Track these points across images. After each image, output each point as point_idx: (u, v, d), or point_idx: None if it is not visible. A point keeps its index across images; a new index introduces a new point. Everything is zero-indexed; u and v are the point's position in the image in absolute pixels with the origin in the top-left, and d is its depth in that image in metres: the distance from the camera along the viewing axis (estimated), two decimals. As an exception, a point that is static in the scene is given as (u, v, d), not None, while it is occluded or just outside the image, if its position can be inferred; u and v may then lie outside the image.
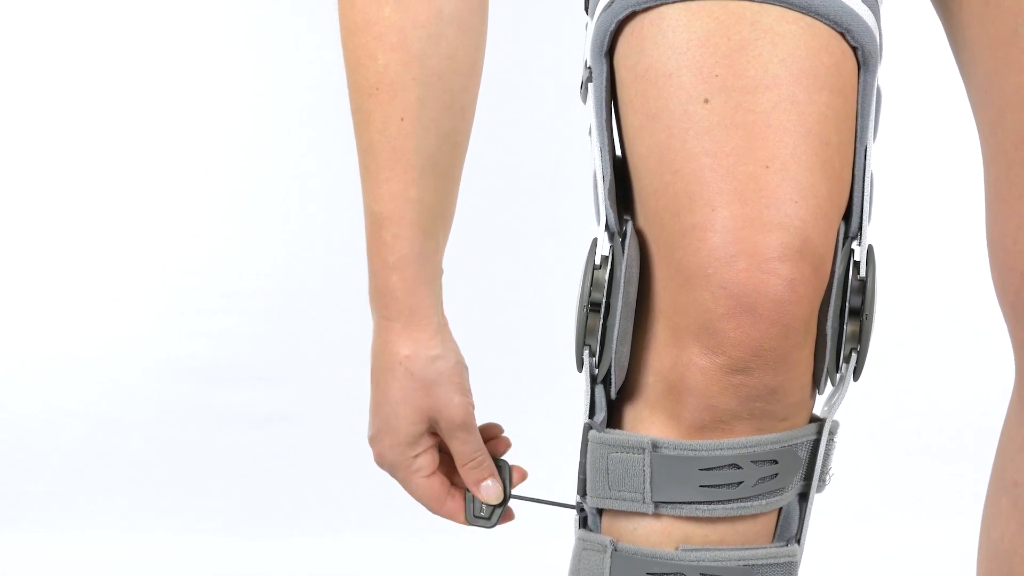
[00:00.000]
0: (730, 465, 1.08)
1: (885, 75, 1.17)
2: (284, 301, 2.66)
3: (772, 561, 1.11)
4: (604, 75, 1.14)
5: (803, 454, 1.11)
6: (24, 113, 2.68)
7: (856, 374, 1.12)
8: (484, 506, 1.24)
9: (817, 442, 1.12)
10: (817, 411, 1.14)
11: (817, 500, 1.17)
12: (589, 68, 1.15)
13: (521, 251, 2.65)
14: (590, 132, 1.15)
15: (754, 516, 1.11)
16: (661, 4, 1.10)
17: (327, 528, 2.53)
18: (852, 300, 1.10)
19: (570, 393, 1.31)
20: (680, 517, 1.10)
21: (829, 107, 1.08)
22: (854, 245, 1.11)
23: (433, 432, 1.22)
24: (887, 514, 2.58)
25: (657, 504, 1.10)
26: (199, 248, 2.67)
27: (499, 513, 1.24)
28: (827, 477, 1.15)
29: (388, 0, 1.15)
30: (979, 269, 1.88)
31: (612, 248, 1.11)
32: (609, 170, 1.14)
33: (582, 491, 1.14)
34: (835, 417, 1.14)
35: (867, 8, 1.11)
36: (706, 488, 1.08)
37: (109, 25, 2.68)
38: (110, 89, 2.68)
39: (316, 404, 2.61)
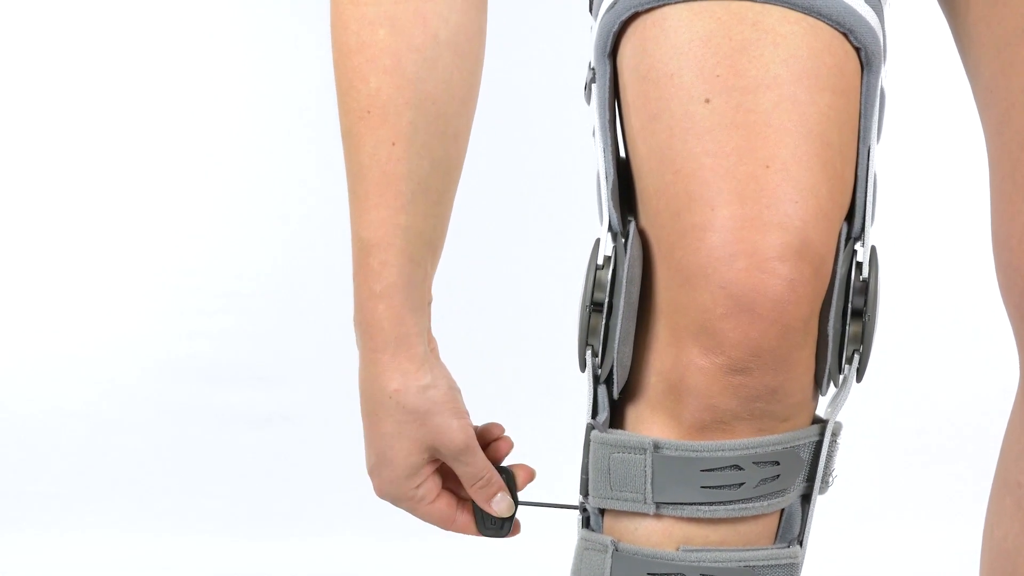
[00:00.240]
0: (731, 466, 1.08)
1: (891, 75, 1.17)
2: (284, 301, 2.66)
3: (773, 562, 1.10)
4: (607, 76, 1.14)
5: (805, 455, 1.11)
6: (24, 113, 2.68)
7: (859, 375, 1.12)
8: (495, 519, 1.24)
9: (820, 443, 1.12)
10: (820, 412, 1.14)
11: (818, 500, 1.16)
12: (593, 69, 1.15)
13: (523, 251, 2.65)
14: (594, 133, 1.15)
15: (756, 517, 1.10)
16: (663, 5, 1.09)
17: (327, 528, 2.53)
18: (855, 301, 1.09)
19: (573, 393, 1.31)
20: (681, 518, 1.09)
21: (831, 107, 1.07)
22: (857, 246, 1.11)
23: (433, 459, 1.20)
24: (887, 514, 2.58)
25: (658, 505, 1.09)
26: (199, 248, 2.67)
27: (510, 523, 1.24)
28: (830, 478, 1.15)
29: (382, 23, 1.13)
30: (979, 269, 1.89)
31: (615, 248, 1.11)
32: (612, 171, 1.13)
33: (584, 491, 1.13)
34: (838, 418, 1.13)
35: (870, 9, 1.11)
36: (707, 489, 1.08)
37: (109, 25, 2.68)
38: (110, 89, 2.68)
39: (316, 404, 2.61)
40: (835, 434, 1.13)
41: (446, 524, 1.23)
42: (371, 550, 2.48)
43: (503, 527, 1.23)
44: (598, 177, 1.15)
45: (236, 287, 2.65)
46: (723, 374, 1.05)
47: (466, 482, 1.21)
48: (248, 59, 2.70)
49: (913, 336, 2.65)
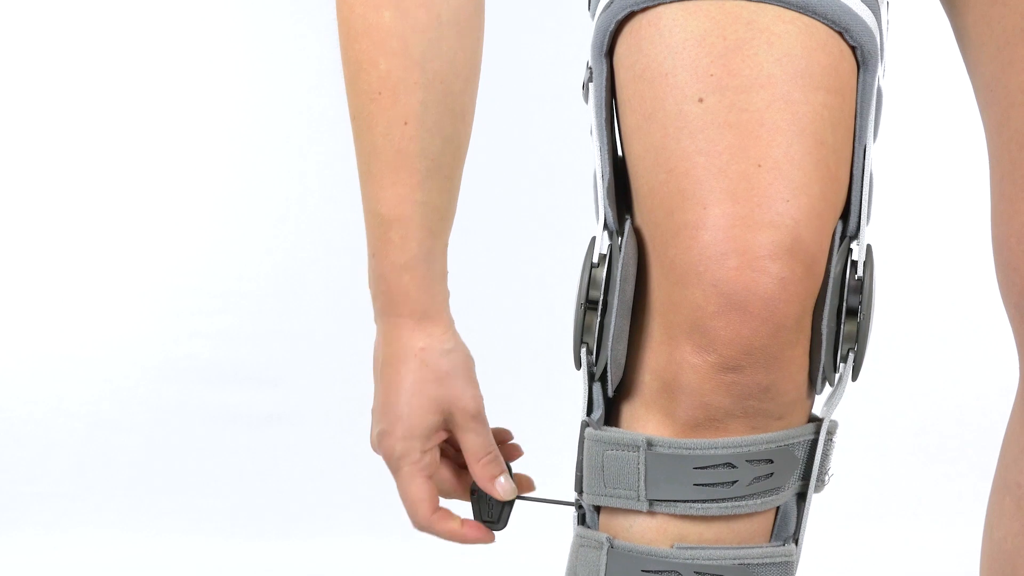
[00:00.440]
0: (724, 464, 1.08)
1: (891, 74, 1.17)
2: (283, 301, 2.66)
3: (768, 560, 1.10)
4: (604, 75, 1.14)
5: (800, 454, 1.11)
6: (24, 114, 2.68)
7: (854, 374, 1.12)
8: (492, 508, 1.24)
9: (815, 442, 1.12)
10: (816, 411, 1.14)
11: (816, 500, 1.16)
12: (590, 68, 1.16)
13: (520, 250, 2.66)
14: (591, 132, 1.15)
15: (750, 515, 1.10)
16: (658, 4, 1.10)
17: (327, 528, 2.54)
18: (849, 300, 1.09)
19: (570, 390, 1.31)
20: (675, 515, 1.09)
21: (825, 106, 1.08)
22: (852, 245, 1.11)
23: (444, 428, 1.22)
24: (887, 514, 2.58)
25: (651, 502, 1.10)
26: (198, 248, 2.67)
27: (508, 514, 1.24)
28: (826, 477, 1.15)
29: (387, 6, 1.16)
30: (979, 270, 1.89)
31: (610, 246, 1.12)
32: (608, 169, 1.14)
33: (579, 488, 1.14)
34: (834, 417, 1.13)
35: (867, 8, 1.11)
36: (700, 487, 1.08)
37: (109, 25, 2.68)
38: (110, 90, 2.68)
39: (315, 404, 2.61)
40: (830, 433, 1.13)
41: (427, 508, 1.23)
42: (371, 550, 2.48)
43: (500, 519, 1.23)
44: (595, 175, 1.15)
45: (235, 287, 2.65)
46: (715, 372, 1.05)
47: (473, 455, 1.23)
48: (248, 59, 2.70)
49: (913, 336, 2.65)
